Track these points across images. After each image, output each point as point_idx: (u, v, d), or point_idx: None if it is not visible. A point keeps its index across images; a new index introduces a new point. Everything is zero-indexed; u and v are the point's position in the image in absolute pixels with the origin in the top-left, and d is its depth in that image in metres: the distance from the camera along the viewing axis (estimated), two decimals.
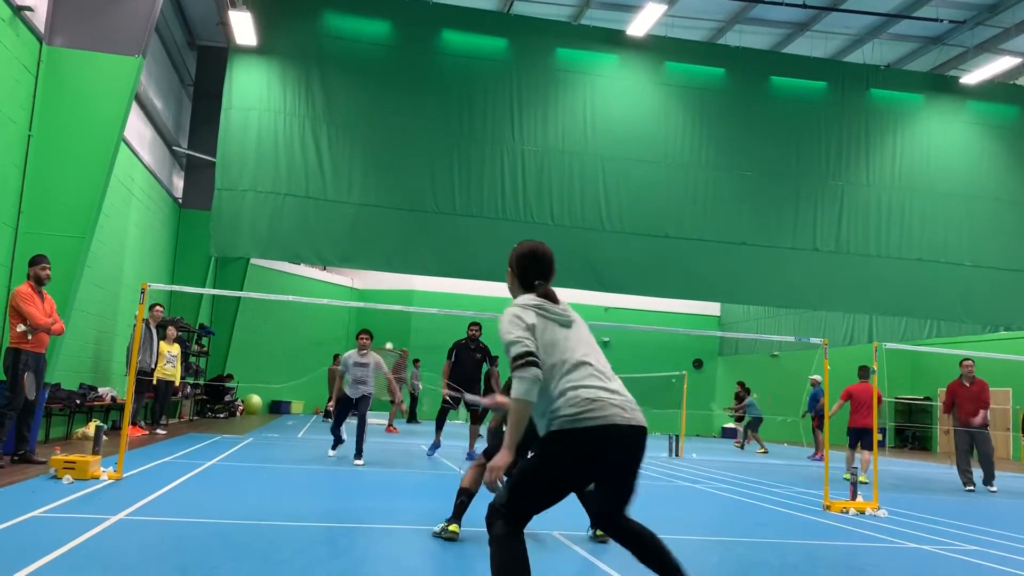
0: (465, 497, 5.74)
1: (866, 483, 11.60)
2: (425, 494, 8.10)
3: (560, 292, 3.59)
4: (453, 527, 5.63)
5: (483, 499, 5.46)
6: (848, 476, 12.28)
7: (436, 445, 12.36)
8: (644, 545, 3.42)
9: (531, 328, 3.36)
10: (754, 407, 20.22)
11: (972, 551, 6.31)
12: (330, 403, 11.73)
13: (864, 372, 12.77)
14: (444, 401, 12.14)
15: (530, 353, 3.26)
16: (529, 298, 3.52)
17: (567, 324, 3.47)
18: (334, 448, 11.66)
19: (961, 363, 12.13)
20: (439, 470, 10.35)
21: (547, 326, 3.41)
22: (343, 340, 27.21)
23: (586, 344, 3.47)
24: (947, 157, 16.08)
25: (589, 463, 3.25)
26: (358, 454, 10.56)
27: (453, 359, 12.05)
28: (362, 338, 11.20)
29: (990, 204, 15.96)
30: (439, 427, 12.51)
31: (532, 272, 3.65)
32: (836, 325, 23.56)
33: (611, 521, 3.45)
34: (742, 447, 20.85)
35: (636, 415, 3.36)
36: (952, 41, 16.48)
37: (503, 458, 3.21)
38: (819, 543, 6.38)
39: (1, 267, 9.54)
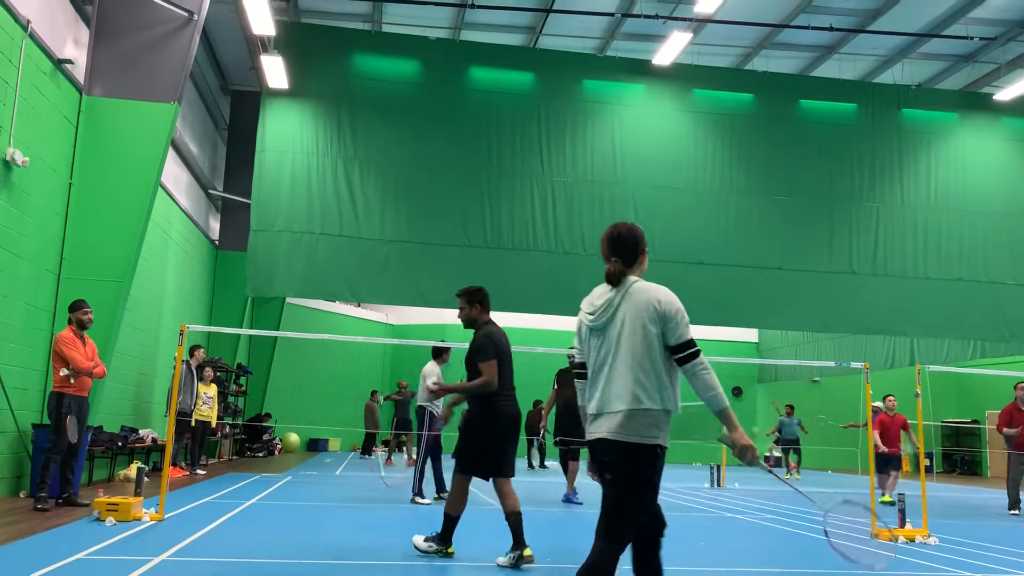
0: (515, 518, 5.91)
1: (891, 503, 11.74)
2: (466, 529, 8.04)
3: None
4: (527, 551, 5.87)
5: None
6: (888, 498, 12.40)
7: (572, 493, 11.15)
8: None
9: (578, 333, 3.72)
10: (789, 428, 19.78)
11: None
12: (380, 445, 11.36)
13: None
14: (561, 443, 11.28)
15: (578, 365, 3.73)
16: (590, 297, 3.71)
17: (598, 328, 3.59)
18: (439, 494, 10.65)
19: (1016, 386, 11.80)
20: (477, 505, 10.27)
21: (586, 330, 3.66)
22: (379, 376, 27.30)
23: (607, 347, 3.55)
24: (983, 174, 15.84)
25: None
26: (443, 487, 10.54)
27: (557, 386, 11.38)
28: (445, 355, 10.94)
29: None
30: (568, 471, 11.32)
31: (607, 251, 3.72)
32: (877, 348, 23.15)
33: (644, 540, 3.58)
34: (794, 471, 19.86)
35: (597, 428, 3.50)
36: (984, 58, 16.31)
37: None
38: (868, 573, 6.20)
39: (44, 312, 9.73)
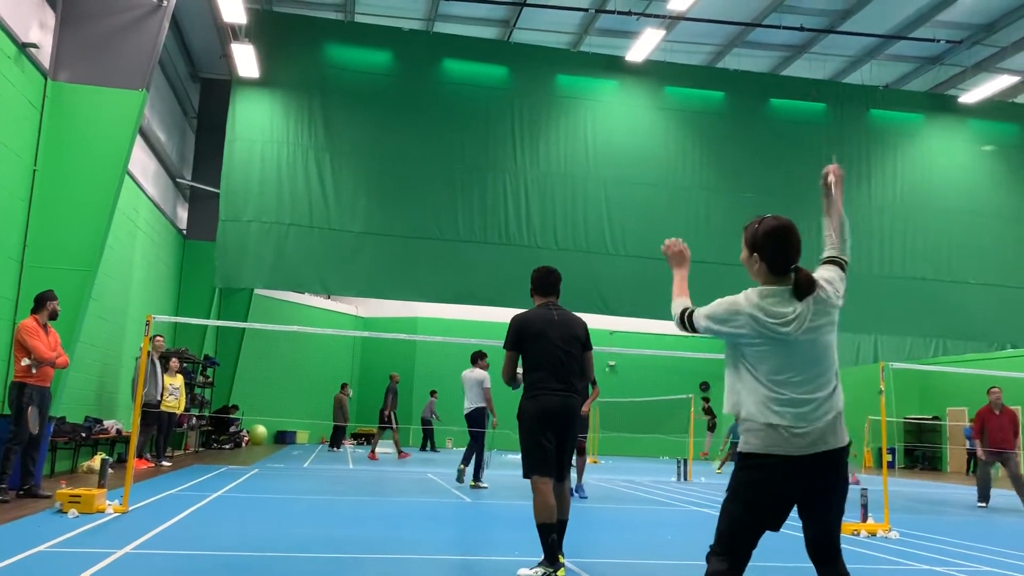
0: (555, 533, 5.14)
1: None
2: (435, 522, 8.05)
3: None
4: (561, 572, 5.09)
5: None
6: None
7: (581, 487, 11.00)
8: None
9: (741, 323, 3.10)
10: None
11: (986, 572, 6.23)
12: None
13: None
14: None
15: (690, 310, 3.38)
16: (756, 293, 3.15)
17: (783, 339, 3.07)
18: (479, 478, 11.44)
19: (989, 391, 12.06)
20: (447, 498, 10.29)
21: (765, 337, 3.08)
22: (348, 368, 27.19)
23: (805, 361, 3.10)
24: (949, 175, 16.13)
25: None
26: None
27: None
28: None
29: (993, 221, 15.98)
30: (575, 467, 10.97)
31: (781, 254, 3.22)
32: (842, 345, 23.22)
33: (816, 551, 3.26)
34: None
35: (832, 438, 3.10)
36: (950, 61, 16.58)
37: None
38: None
39: (7, 301, 9.56)
